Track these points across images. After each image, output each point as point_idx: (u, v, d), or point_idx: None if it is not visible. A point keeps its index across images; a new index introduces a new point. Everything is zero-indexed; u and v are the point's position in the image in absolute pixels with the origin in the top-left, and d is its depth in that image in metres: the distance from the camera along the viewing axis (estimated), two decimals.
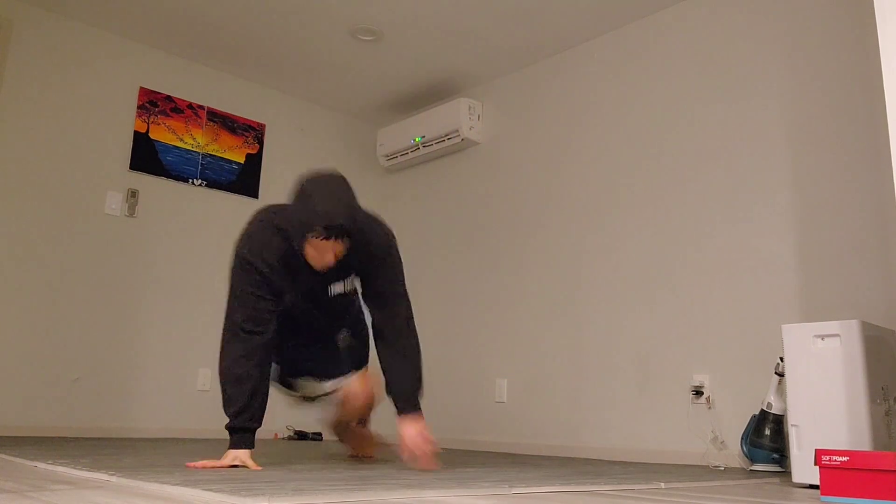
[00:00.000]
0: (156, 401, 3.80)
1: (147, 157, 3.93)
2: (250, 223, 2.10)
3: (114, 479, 1.51)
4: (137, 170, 3.88)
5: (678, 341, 3.11)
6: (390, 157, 4.58)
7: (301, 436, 4.05)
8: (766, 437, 2.57)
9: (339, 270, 2.06)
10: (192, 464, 1.88)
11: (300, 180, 1.99)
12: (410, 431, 2.04)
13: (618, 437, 3.25)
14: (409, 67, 4.16)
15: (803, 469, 1.99)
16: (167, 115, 4.04)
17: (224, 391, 1.96)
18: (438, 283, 4.27)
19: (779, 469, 2.57)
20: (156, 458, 2.13)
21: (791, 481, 2.08)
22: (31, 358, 3.45)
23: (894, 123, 1.73)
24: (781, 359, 2.55)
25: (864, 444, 1.92)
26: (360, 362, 2.47)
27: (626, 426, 3.22)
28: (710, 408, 2.95)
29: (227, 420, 1.96)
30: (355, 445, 2.69)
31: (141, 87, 3.97)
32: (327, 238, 1.89)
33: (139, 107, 3.94)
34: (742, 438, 2.70)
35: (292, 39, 3.91)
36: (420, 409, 2.10)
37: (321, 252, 1.94)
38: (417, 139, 4.36)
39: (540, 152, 3.89)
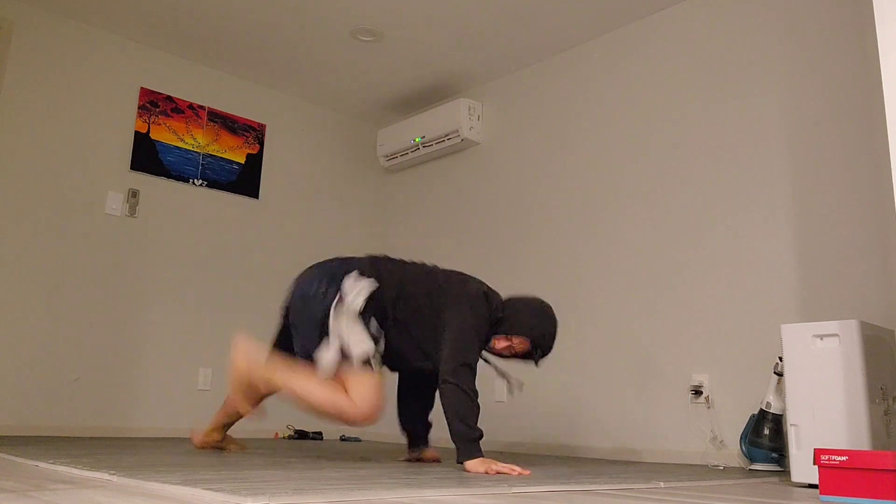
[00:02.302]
0: (156, 401, 3.80)
1: (148, 157, 3.93)
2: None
3: (115, 478, 1.52)
4: (138, 170, 3.89)
5: (677, 341, 3.11)
6: (390, 157, 4.58)
7: (301, 435, 4.06)
8: (765, 437, 2.58)
9: None
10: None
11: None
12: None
13: (618, 437, 3.25)
14: (409, 67, 4.16)
15: (802, 468, 2.00)
16: (168, 116, 4.04)
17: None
18: None
19: (778, 468, 2.57)
20: (156, 458, 2.14)
21: (790, 480, 2.08)
22: (31, 358, 3.46)
23: (894, 124, 1.73)
24: (780, 358, 2.55)
25: (862, 443, 1.92)
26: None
27: (626, 426, 3.22)
28: (709, 407, 2.95)
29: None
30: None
31: (141, 88, 3.97)
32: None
33: (140, 107, 3.95)
34: (741, 438, 2.70)
35: (293, 40, 3.91)
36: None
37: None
38: (417, 139, 4.36)
39: (539, 152, 3.90)
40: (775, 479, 2.24)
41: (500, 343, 2.39)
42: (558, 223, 3.71)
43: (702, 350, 3.03)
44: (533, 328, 2.40)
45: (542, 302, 2.49)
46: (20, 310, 3.46)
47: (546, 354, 2.46)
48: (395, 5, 3.53)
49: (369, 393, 2.21)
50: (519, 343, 2.40)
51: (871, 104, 2.69)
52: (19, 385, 3.40)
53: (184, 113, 4.11)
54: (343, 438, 4.25)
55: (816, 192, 2.80)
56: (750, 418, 2.68)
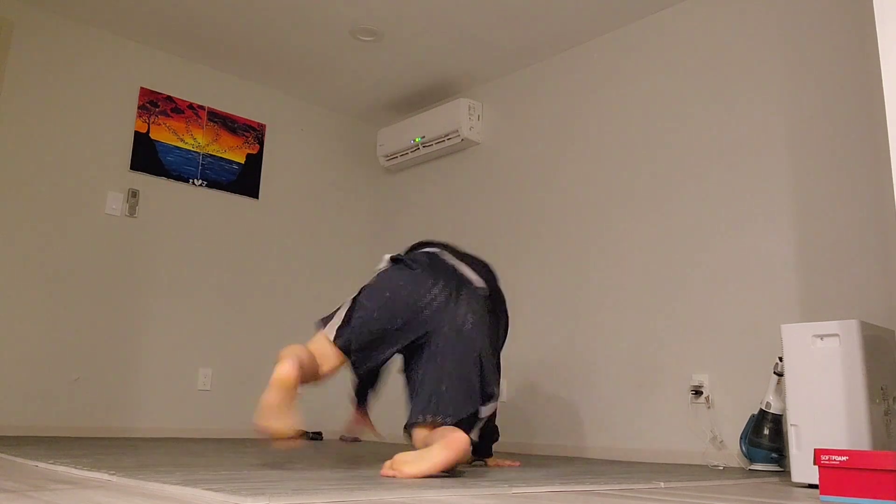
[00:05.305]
0: (156, 401, 3.80)
1: (147, 157, 3.93)
2: None
3: (115, 478, 1.52)
4: (138, 170, 3.89)
5: (678, 341, 3.11)
6: (390, 157, 4.58)
7: (300, 435, 4.05)
8: (765, 437, 2.58)
9: None
10: None
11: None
12: None
13: (618, 437, 3.25)
14: (409, 67, 4.16)
15: (802, 468, 2.00)
16: (168, 116, 4.04)
17: None
18: None
19: (778, 469, 2.57)
20: (156, 458, 2.14)
21: (790, 481, 2.08)
22: (31, 358, 3.46)
23: (893, 124, 1.73)
24: (780, 358, 2.55)
25: (863, 443, 1.92)
26: None
27: (626, 426, 3.22)
28: (709, 407, 2.95)
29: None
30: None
31: (141, 88, 3.97)
32: None
33: (139, 107, 3.95)
34: (741, 438, 2.70)
35: (292, 39, 3.91)
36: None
37: None
38: (417, 139, 4.36)
39: (540, 152, 3.90)
40: (775, 479, 2.24)
41: None
42: (558, 223, 3.71)
43: (702, 350, 3.03)
44: None
45: None
46: (20, 310, 3.46)
47: None
48: (395, 5, 3.53)
49: None
50: None
51: (871, 104, 2.69)
52: (19, 385, 3.40)
53: (184, 113, 4.11)
54: (342, 438, 4.25)
55: (816, 191, 2.80)
56: (750, 418, 2.68)
